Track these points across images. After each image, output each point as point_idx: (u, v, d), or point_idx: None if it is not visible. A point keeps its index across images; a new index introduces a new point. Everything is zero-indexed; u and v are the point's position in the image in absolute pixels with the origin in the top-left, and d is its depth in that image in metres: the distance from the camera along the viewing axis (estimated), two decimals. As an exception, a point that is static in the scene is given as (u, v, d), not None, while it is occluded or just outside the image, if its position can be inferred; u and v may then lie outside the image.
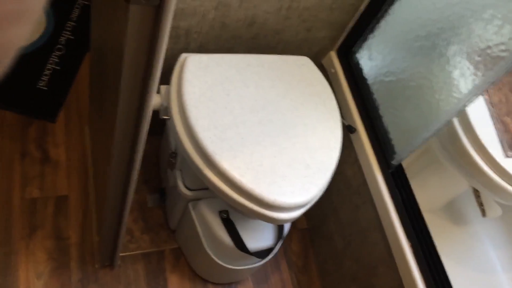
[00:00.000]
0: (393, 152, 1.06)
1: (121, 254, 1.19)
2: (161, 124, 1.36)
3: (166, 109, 0.99)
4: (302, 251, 1.36)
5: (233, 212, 1.05)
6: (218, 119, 0.91)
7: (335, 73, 1.21)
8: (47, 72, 1.43)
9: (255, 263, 1.09)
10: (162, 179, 1.32)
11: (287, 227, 1.08)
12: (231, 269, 1.09)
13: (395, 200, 1.02)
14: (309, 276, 1.33)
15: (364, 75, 1.16)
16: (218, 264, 1.08)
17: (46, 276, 1.12)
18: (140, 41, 0.54)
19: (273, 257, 1.29)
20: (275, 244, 1.05)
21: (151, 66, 0.57)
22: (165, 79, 1.16)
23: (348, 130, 1.11)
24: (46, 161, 1.27)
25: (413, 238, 0.97)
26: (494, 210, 1.27)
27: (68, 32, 1.53)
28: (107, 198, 0.89)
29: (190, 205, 1.08)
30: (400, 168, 1.06)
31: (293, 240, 1.37)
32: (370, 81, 1.15)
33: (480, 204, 1.33)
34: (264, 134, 0.92)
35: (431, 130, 0.99)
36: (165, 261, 1.23)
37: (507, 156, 0.98)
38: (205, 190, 1.04)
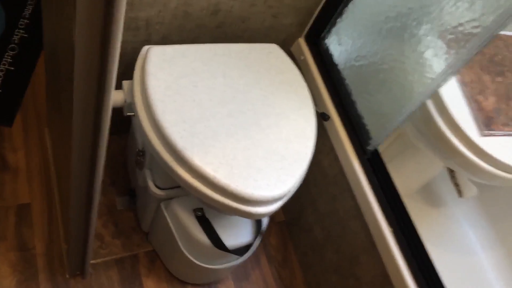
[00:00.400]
0: (369, 138, 1.04)
1: (92, 262, 1.14)
2: (126, 122, 1.31)
3: (130, 106, 0.94)
4: (281, 245, 1.34)
5: (208, 210, 1.01)
6: (186, 112, 0.87)
7: (305, 60, 1.18)
8: (0, 73, 1.35)
9: (234, 260, 1.06)
10: (131, 179, 1.26)
11: (265, 221, 1.05)
12: (210, 268, 1.05)
13: (373, 187, 1.00)
14: (290, 270, 1.31)
15: (334, 61, 1.14)
16: (196, 264, 1.04)
17: (12, 290, 1.06)
18: (91, 31, 0.49)
19: (252, 253, 1.26)
20: (254, 240, 1.02)
21: (106, 59, 0.52)
22: (128, 74, 1.11)
23: (322, 118, 1.09)
24: (4, 168, 1.20)
25: (393, 223, 0.96)
26: (470, 190, 1.28)
27: (21, 30, 1.45)
28: (71, 202, 0.83)
29: (162, 205, 1.03)
30: (376, 153, 1.04)
31: (271, 234, 1.35)
32: (341, 66, 1.12)
33: (456, 185, 1.33)
34: (236, 127, 0.88)
35: (405, 112, 0.98)
36: (139, 265, 1.18)
37: (483, 135, 0.98)
38: (177, 188, 1.00)
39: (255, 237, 1.03)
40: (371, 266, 1.02)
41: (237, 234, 1.01)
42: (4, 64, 1.37)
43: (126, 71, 1.09)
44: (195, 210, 1.00)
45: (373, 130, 1.04)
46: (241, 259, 1.06)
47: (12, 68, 1.37)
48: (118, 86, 1.11)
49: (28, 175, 1.21)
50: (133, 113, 0.91)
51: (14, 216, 1.14)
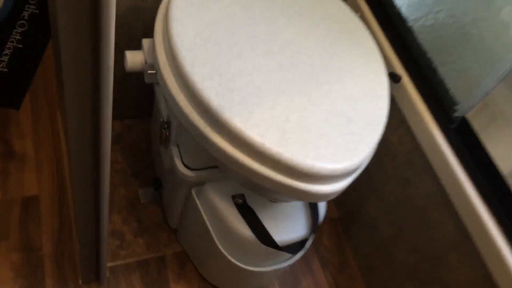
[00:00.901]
0: (454, 103, 0.82)
1: (110, 264, 0.96)
2: (149, 102, 1.13)
3: (152, 67, 0.76)
4: (336, 246, 1.12)
5: (251, 196, 0.82)
6: (222, 64, 0.68)
7: (363, 16, 0.98)
8: (7, 51, 1.20)
9: (284, 261, 0.85)
10: (156, 168, 1.08)
11: (322, 210, 0.85)
12: (254, 272, 0.85)
13: (464, 163, 0.78)
14: (349, 276, 1.09)
15: (402, 14, 0.93)
16: (237, 266, 0.84)
17: (15, 300, 0.88)
18: None
19: (303, 255, 1.06)
20: (309, 234, 0.82)
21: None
22: (150, 32, 0.93)
23: (391, 79, 0.88)
24: (9, 155, 1.04)
25: (499, 211, 0.73)
26: None
27: (32, 6, 1.30)
28: (75, 195, 0.66)
29: (193, 192, 0.84)
30: (464, 121, 0.82)
31: (323, 232, 1.14)
32: (411, 20, 0.91)
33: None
34: (287, 81, 0.69)
35: (503, 69, 0.76)
36: (167, 269, 0.99)
37: None
38: (212, 169, 0.80)
39: (310, 231, 0.82)
40: (465, 268, 0.79)
41: (287, 227, 0.81)
42: (12, 42, 1.22)
43: (148, 29, 0.92)
44: (234, 197, 0.80)
45: (459, 93, 0.82)
46: (293, 259, 0.85)
47: (21, 46, 1.22)
48: (137, 47, 0.94)
49: (37, 164, 1.05)
50: (154, 71, 0.73)
51: (19, 210, 0.98)
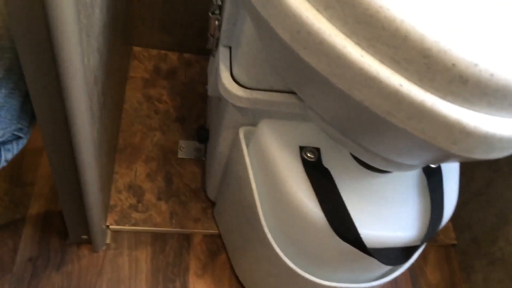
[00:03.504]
0: None
1: (114, 227, 0.69)
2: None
3: None
4: (448, 286, 0.76)
5: (331, 155, 0.50)
6: None
7: None
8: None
9: (370, 279, 0.52)
10: (207, 117, 0.81)
11: (452, 201, 0.50)
12: (313, 283, 0.53)
13: None
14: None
15: None
16: (289, 269, 0.53)
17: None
18: None
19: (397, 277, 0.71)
20: (422, 239, 0.48)
21: None
22: None
23: None
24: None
25: None
26: None
27: None
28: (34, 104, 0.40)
29: (241, 134, 0.54)
30: None
31: (428, 262, 0.78)
32: None
33: None
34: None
35: None
36: (190, 254, 0.70)
37: None
38: (279, 93, 0.50)
39: (424, 235, 0.48)
40: None
41: (384, 218, 0.48)
42: None
43: None
44: (304, 150, 0.49)
45: None
46: (382, 280, 0.52)
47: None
48: None
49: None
50: None
51: (21, 131, 0.76)
